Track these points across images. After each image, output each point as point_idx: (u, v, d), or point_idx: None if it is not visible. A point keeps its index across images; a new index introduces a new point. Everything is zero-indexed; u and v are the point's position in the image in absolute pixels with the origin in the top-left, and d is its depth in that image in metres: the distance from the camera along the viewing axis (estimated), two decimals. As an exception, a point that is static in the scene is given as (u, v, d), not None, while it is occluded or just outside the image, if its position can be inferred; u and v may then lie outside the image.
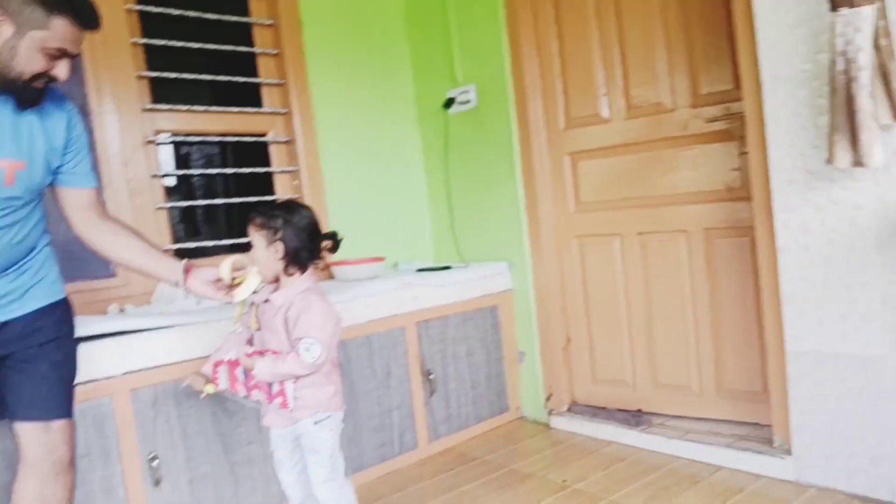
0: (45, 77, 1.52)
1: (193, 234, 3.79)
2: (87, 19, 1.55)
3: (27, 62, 1.47)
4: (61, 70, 1.53)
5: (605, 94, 2.80)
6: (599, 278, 2.90)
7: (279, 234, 1.76)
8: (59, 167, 1.68)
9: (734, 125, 2.41)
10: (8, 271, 1.63)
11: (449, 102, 3.26)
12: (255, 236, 1.78)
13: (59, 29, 1.48)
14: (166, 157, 3.67)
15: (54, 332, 1.70)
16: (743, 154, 2.38)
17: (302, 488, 1.94)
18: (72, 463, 1.71)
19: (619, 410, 2.86)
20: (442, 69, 3.30)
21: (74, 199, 1.75)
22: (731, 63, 2.40)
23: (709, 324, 2.61)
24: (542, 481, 2.47)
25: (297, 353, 1.72)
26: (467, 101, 3.19)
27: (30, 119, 1.58)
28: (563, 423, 2.97)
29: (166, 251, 1.86)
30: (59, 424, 1.67)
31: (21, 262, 1.66)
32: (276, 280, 1.82)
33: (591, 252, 2.93)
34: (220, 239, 3.11)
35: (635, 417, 2.76)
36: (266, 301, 1.81)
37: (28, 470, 1.65)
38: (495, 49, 3.03)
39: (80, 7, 1.52)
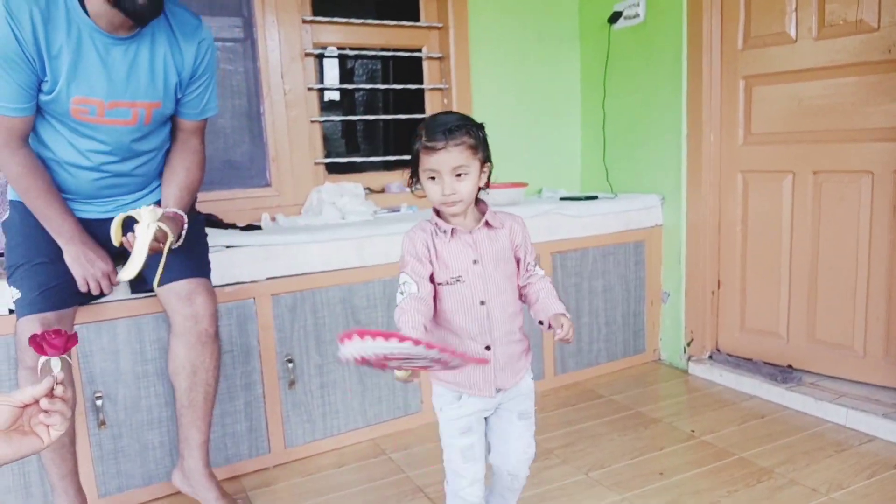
0: None
1: (354, 149, 3.91)
2: None
3: None
4: None
5: (795, 10, 2.46)
6: (762, 219, 2.64)
7: (486, 153, 1.40)
8: (180, 98, 1.79)
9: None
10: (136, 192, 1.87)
11: (614, 17, 3.03)
12: (465, 161, 1.34)
13: None
14: (332, 71, 3.78)
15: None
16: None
17: (483, 481, 1.49)
18: (216, 336, 1.85)
19: (767, 364, 2.65)
20: (611, -20, 3.06)
21: (179, 122, 1.86)
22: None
23: (885, 280, 2.32)
24: (669, 428, 2.36)
25: (542, 276, 1.47)
26: (635, 16, 2.95)
27: (164, 56, 1.69)
28: (702, 371, 2.82)
29: (173, 202, 1.81)
30: (201, 300, 1.79)
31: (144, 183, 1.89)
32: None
33: (756, 190, 2.66)
34: (377, 155, 3.19)
35: (784, 373, 2.54)
36: (484, 226, 1.42)
37: (177, 338, 1.81)
38: (672, -45, 2.75)
39: None
